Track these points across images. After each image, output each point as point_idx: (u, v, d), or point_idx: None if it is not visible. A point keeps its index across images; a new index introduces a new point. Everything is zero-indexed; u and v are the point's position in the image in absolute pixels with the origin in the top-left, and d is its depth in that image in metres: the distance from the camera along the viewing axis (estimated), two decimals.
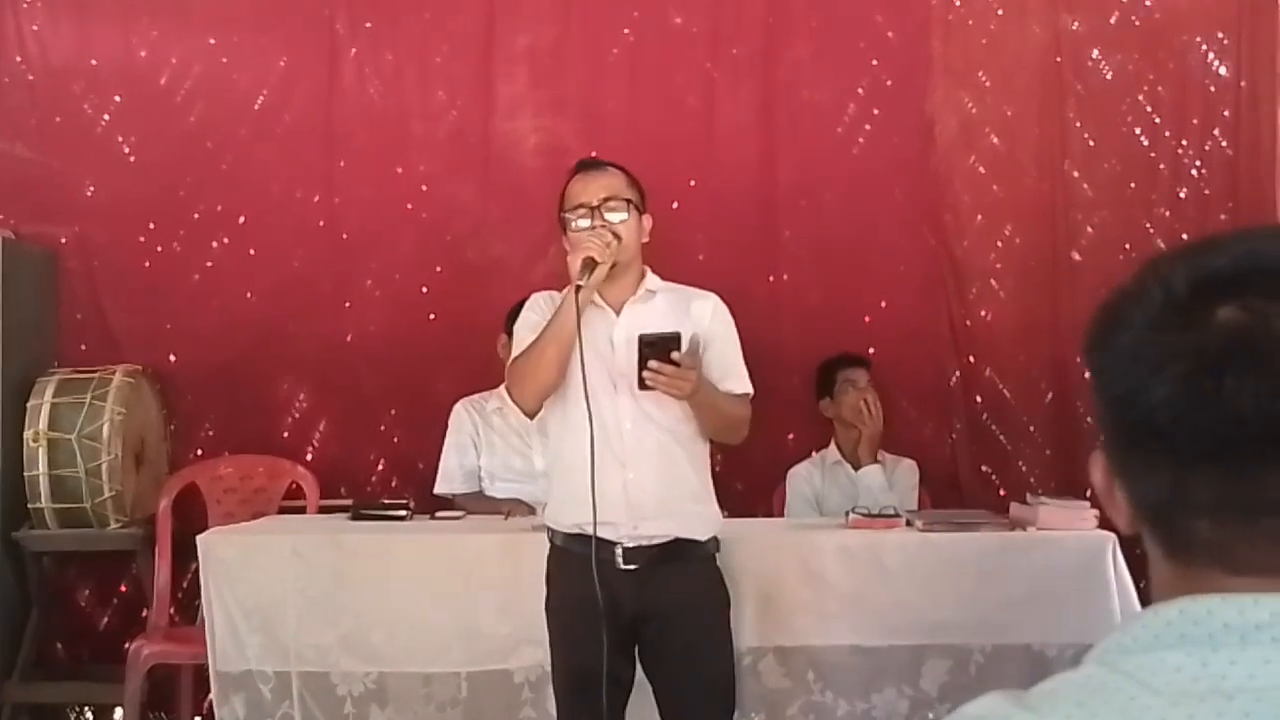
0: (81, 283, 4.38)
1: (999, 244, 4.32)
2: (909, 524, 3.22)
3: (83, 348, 4.35)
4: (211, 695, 3.16)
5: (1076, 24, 4.32)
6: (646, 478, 2.62)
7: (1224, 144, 4.27)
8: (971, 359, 4.30)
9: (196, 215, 4.36)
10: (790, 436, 4.21)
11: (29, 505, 3.99)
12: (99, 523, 4.00)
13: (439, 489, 3.87)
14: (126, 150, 4.39)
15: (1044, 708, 0.72)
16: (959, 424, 4.27)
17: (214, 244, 4.37)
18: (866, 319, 4.31)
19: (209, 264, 4.37)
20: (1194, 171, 4.28)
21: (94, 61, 4.39)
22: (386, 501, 3.67)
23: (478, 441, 3.88)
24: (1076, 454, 4.20)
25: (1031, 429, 4.28)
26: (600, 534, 2.55)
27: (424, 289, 4.36)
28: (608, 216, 2.64)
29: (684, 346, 2.53)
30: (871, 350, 4.13)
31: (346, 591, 3.13)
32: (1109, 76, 4.32)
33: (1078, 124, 4.30)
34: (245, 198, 4.36)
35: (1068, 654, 2.96)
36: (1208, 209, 4.26)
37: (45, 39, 4.40)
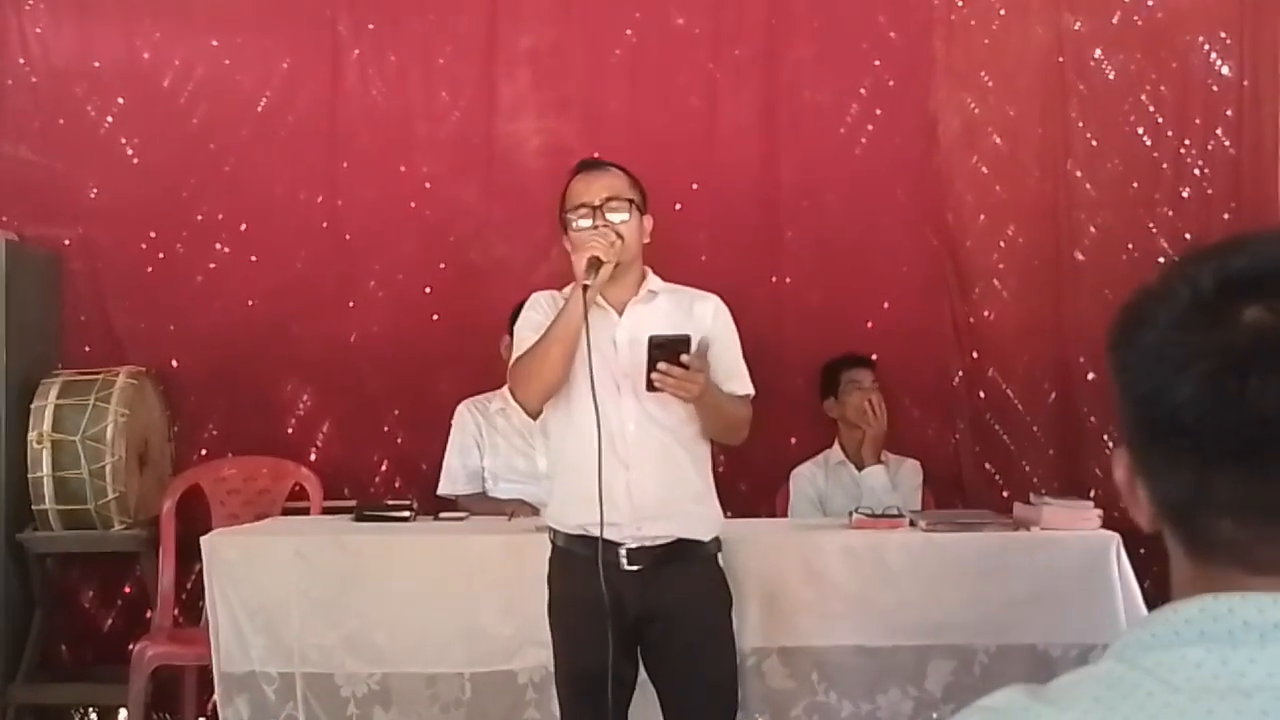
0: (85, 284, 4.39)
1: (1002, 244, 4.32)
2: (913, 524, 3.22)
3: (86, 349, 4.36)
4: (215, 696, 3.16)
5: (1079, 24, 4.32)
6: (649, 479, 2.62)
7: (1227, 143, 4.27)
8: (975, 358, 4.30)
9: (200, 216, 4.36)
10: (793, 441, 4.21)
11: (33, 507, 4.00)
12: (103, 524, 4.01)
13: (442, 490, 3.87)
14: (130, 152, 4.39)
15: (1062, 701, 0.73)
16: (962, 424, 4.26)
17: (217, 245, 4.37)
18: (869, 320, 4.31)
19: (212, 265, 4.37)
20: (1197, 171, 4.28)
21: (97, 64, 4.40)
22: (390, 502, 3.68)
23: (481, 442, 3.88)
24: (1080, 454, 4.21)
25: (1035, 429, 4.28)
26: (605, 535, 2.56)
27: (427, 289, 4.36)
28: (610, 216, 2.65)
29: (693, 349, 2.54)
30: (874, 354, 4.13)
31: (350, 592, 3.13)
32: (1111, 76, 4.32)
33: (1080, 124, 4.30)
34: (248, 199, 4.37)
35: (1072, 654, 2.96)
36: (1211, 208, 4.25)
37: (48, 41, 4.40)
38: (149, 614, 4.01)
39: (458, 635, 3.09)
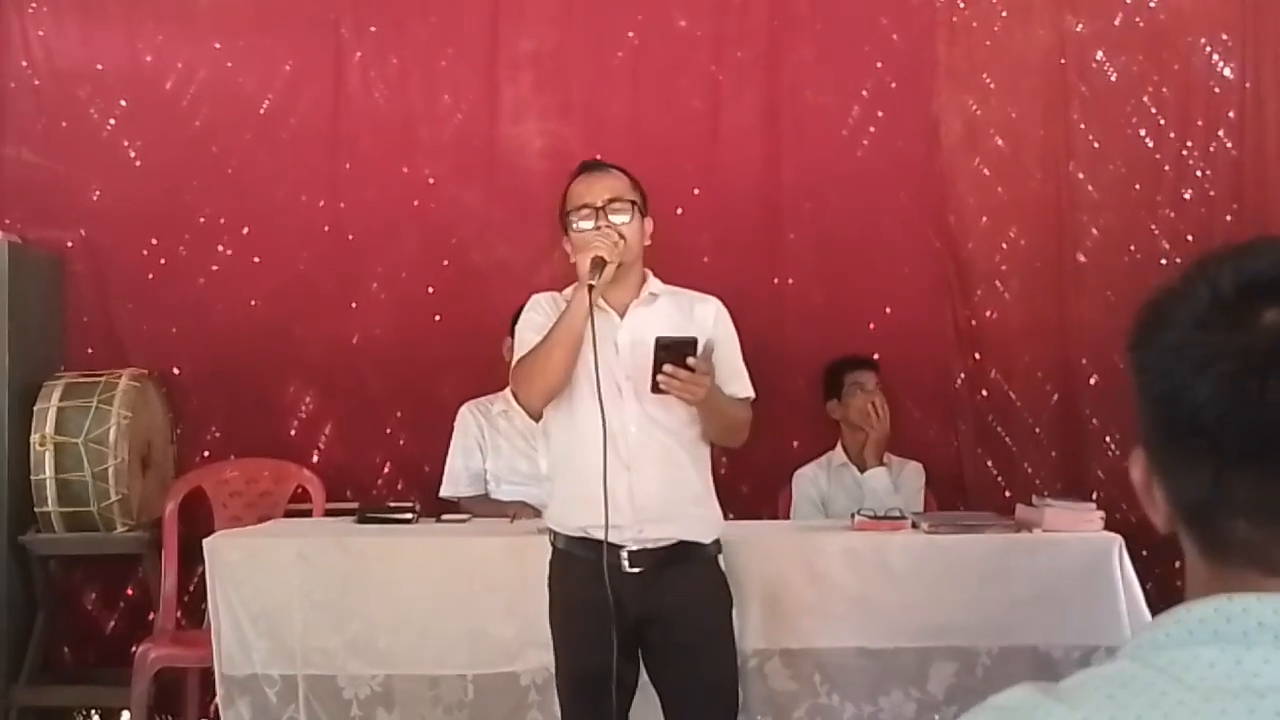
0: (88, 286, 4.39)
1: (1004, 246, 4.32)
2: (915, 526, 3.22)
3: (89, 351, 4.36)
4: (217, 699, 3.16)
5: (1080, 26, 4.32)
6: (651, 481, 2.62)
7: (1229, 145, 4.27)
8: (977, 360, 4.30)
9: (202, 219, 4.37)
10: (795, 443, 4.20)
11: (35, 509, 4.00)
12: (105, 526, 4.01)
13: (444, 492, 3.87)
14: (132, 154, 4.40)
15: (1074, 699, 0.73)
16: (964, 426, 4.26)
17: (219, 247, 4.38)
18: (871, 322, 4.31)
19: (215, 267, 4.38)
20: (1199, 173, 4.27)
21: (100, 66, 4.41)
22: (392, 504, 3.67)
23: (483, 444, 3.88)
24: (1082, 455, 4.21)
25: (1037, 430, 4.28)
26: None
27: (430, 290, 4.36)
28: (612, 218, 2.65)
29: (699, 351, 2.54)
30: (876, 355, 4.13)
31: (352, 595, 3.13)
32: (1113, 78, 4.32)
33: (1082, 126, 4.30)
34: (251, 201, 4.37)
35: (1074, 656, 2.96)
36: (1213, 210, 4.25)
37: (51, 44, 4.41)
38: (151, 616, 4.01)
39: (460, 637, 3.09)
